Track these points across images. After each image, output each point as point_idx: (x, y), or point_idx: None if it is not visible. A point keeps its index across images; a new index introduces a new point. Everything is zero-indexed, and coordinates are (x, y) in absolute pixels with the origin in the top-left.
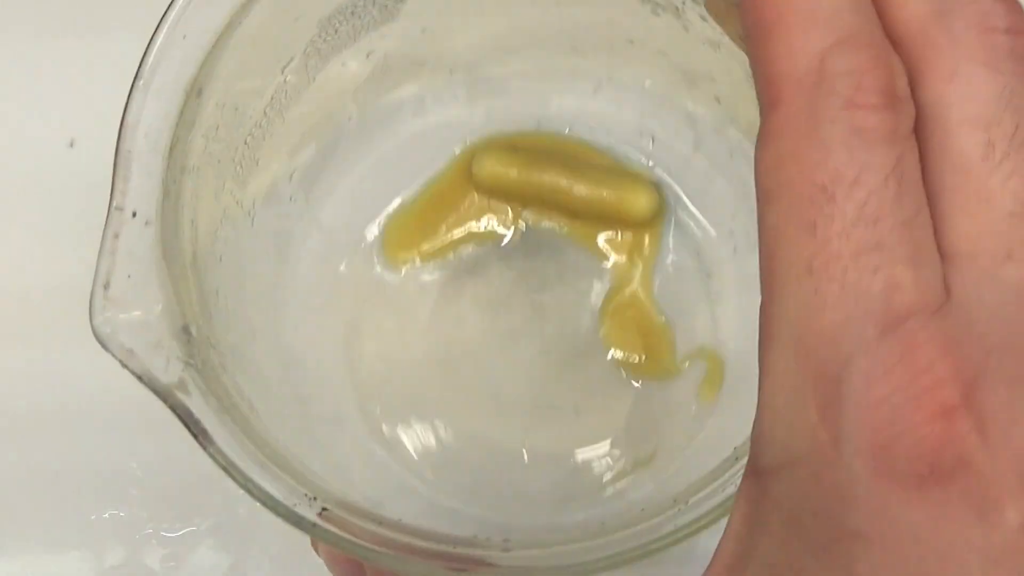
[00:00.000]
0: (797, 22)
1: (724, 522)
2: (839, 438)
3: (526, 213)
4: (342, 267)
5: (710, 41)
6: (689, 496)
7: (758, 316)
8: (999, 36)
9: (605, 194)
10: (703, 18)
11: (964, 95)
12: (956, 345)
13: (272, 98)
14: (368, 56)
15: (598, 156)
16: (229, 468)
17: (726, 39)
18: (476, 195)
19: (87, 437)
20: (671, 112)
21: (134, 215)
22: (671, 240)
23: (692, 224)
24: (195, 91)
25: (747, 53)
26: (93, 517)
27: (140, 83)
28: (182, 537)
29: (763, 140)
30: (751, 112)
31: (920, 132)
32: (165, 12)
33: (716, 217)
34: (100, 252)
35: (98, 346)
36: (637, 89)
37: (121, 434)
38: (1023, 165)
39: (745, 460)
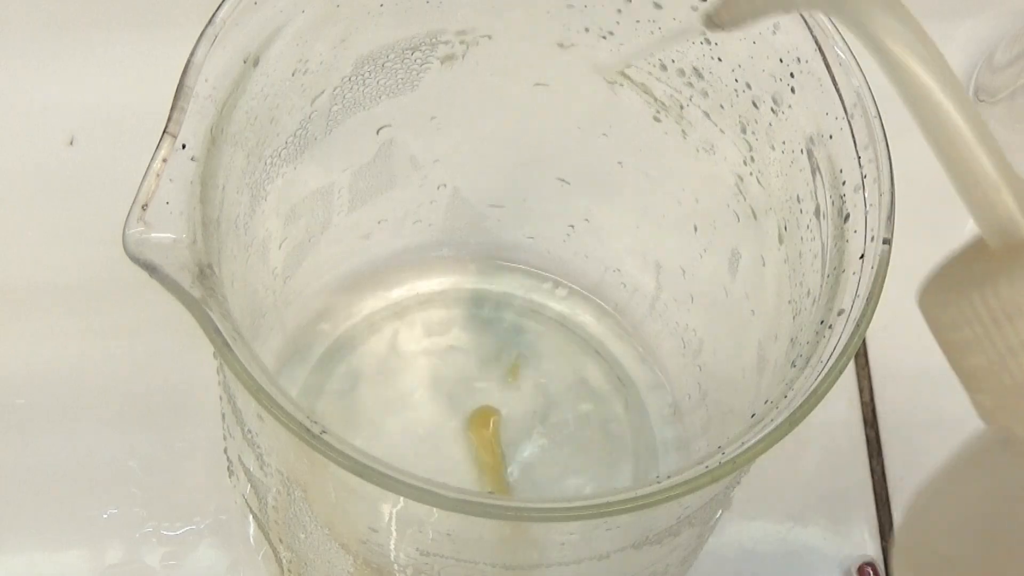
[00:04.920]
0: None
1: None
2: None
3: None
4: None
5: (705, 146)
6: None
7: None
8: None
9: None
10: (706, 114)
11: None
12: None
13: (295, 134)
14: (378, 132)
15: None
16: (244, 376)
17: (724, 139)
18: None
19: (87, 436)
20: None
21: (184, 147)
22: None
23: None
24: (252, 61)
25: None
26: (93, 515)
27: (210, 29)
28: (182, 536)
29: None
30: (728, 240)
31: None
32: None
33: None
34: (146, 171)
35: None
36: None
37: (121, 434)
38: None
39: None
